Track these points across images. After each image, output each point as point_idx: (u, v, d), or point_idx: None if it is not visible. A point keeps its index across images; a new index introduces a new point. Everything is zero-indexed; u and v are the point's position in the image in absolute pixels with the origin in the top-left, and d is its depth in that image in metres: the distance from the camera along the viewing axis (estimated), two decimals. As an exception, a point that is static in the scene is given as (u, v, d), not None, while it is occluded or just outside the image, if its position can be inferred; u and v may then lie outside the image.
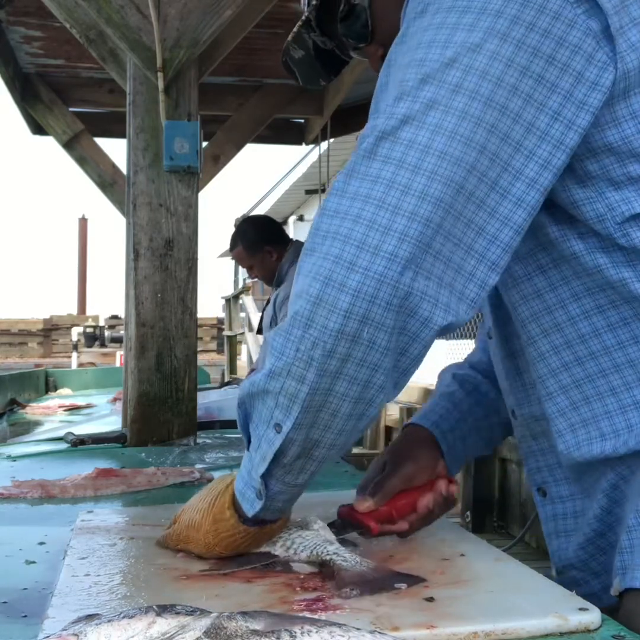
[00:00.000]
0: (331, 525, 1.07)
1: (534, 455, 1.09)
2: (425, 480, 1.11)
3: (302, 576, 0.95)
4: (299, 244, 3.77)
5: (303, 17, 1.17)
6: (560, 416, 1.00)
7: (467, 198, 0.84)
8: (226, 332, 10.82)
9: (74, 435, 2.28)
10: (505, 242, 0.86)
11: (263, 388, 0.90)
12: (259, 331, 4.00)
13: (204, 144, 3.30)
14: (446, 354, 6.34)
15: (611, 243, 0.92)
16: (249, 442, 0.95)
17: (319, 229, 0.86)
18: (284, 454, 0.91)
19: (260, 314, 10.21)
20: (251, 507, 0.96)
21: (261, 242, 3.61)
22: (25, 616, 0.89)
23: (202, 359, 12.71)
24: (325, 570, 0.95)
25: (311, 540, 1.00)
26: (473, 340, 5.37)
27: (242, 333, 10.20)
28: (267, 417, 0.91)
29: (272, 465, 0.91)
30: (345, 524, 1.08)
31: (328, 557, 0.95)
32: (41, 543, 1.19)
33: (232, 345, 10.56)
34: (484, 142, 0.84)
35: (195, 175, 2.38)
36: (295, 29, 1.18)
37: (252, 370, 3.83)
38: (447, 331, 0.87)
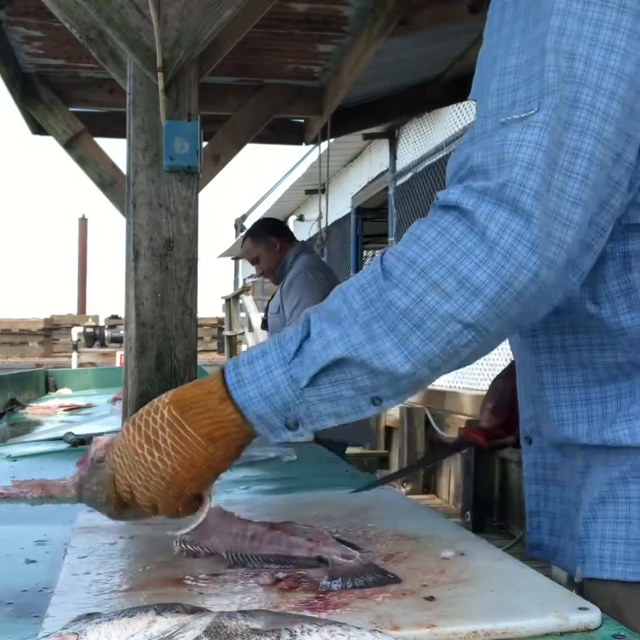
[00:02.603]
0: (453, 445, 1.30)
1: (527, 403, 1.12)
2: None
3: (302, 576, 0.95)
4: (303, 245, 3.94)
5: None
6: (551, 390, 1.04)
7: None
8: (226, 332, 10.82)
9: (74, 435, 2.28)
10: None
11: (391, 370, 0.84)
12: (264, 324, 4.06)
13: (204, 144, 3.30)
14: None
15: None
16: (313, 374, 0.86)
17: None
18: (364, 416, 0.89)
19: (260, 313, 10.18)
20: (273, 434, 0.89)
21: (265, 233, 3.89)
22: (27, 616, 0.89)
23: (202, 359, 12.70)
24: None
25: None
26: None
27: (242, 333, 10.20)
28: (367, 388, 0.85)
29: (337, 419, 0.88)
30: (462, 442, 1.27)
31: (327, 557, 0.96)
32: (41, 542, 1.20)
33: (232, 345, 10.56)
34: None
35: (195, 175, 2.38)
36: None
37: None
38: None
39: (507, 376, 1.28)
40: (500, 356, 4.52)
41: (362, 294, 0.86)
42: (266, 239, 3.85)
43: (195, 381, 0.95)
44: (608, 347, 0.99)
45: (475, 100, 0.95)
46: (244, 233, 4.14)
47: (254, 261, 3.93)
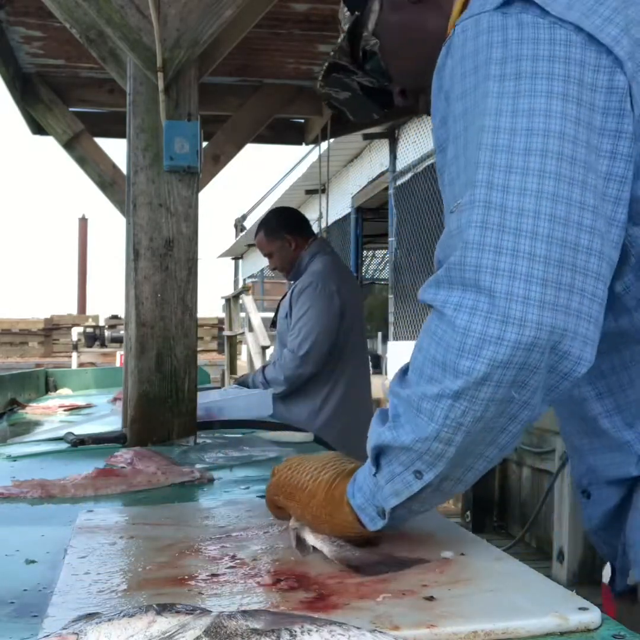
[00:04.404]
0: None
1: (579, 456, 1.15)
2: None
3: (302, 576, 0.95)
4: (321, 244, 3.73)
5: (329, 63, 1.25)
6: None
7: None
8: (226, 332, 10.80)
9: (74, 435, 2.27)
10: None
11: (407, 446, 0.93)
12: (273, 324, 3.98)
13: (204, 144, 3.30)
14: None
15: None
16: (375, 460, 0.98)
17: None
18: (420, 494, 0.96)
19: (260, 313, 10.15)
20: (372, 523, 1.00)
21: (281, 230, 3.65)
22: (27, 616, 0.89)
23: (202, 359, 12.69)
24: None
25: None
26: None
27: (242, 333, 10.19)
28: (406, 463, 0.95)
29: (404, 501, 0.96)
30: None
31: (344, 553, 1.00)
32: (41, 542, 1.20)
33: (232, 345, 10.55)
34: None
35: (195, 175, 2.38)
36: (324, 74, 1.27)
37: (264, 367, 3.75)
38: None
39: None
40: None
41: (392, 398, 0.99)
42: (281, 237, 3.63)
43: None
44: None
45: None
46: (256, 223, 3.88)
47: (267, 256, 3.75)
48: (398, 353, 8.23)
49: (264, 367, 3.69)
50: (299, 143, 5.34)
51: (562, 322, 0.86)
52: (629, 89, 0.92)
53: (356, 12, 1.21)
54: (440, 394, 0.89)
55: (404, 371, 0.98)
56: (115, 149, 4.16)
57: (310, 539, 1.05)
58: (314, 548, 1.04)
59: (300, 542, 1.06)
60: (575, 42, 0.91)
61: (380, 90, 1.27)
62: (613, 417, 1.06)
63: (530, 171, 0.88)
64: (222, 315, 13.02)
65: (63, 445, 2.26)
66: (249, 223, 15.02)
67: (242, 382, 3.70)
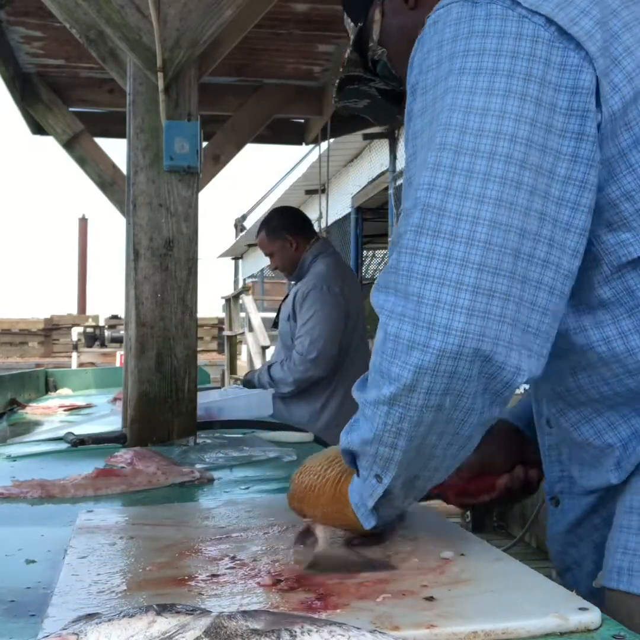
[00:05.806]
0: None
1: (561, 463, 1.15)
2: (508, 465, 1.22)
3: (302, 576, 0.95)
4: (323, 244, 3.71)
5: (341, 78, 1.26)
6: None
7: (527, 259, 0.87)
8: (226, 332, 10.81)
9: (74, 435, 2.27)
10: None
11: (359, 450, 0.96)
12: (275, 324, 3.97)
13: (204, 144, 3.29)
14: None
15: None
16: (352, 463, 1.01)
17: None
18: (388, 495, 0.97)
19: (260, 313, 10.14)
20: (366, 521, 1.01)
21: (282, 230, 3.64)
22: (27, 616, 0.89)
23: (202, 359, 12.69)
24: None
25: None
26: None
27: (242, 333, 10.19)
28: (367, 466, 0.97)
29: (378, 501, 0.98)
30: (431, 494, 1.24)
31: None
32: (41, 542, 1.19)
33: (232, 345, 10.56)
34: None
35: (195, 175, 2.38)
36: (338, 89, 1.28)
37: (269, 366, 3.73)
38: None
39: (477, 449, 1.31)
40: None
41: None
42: (282, 237, 3.62)
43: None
44: (612, 380, 1.00)
45: None
46: (257, 223, 3.90)
47: (269, 256, 3.74)
48: (398, 353, 8.21)
49: (269, 366, 3.66)
50: (299, 143, 5.34)
51: (493, 330, 0.84)
52: (596, 88, 0.88)
53: (359, 23, 1.21)
54: (377, 400, 0.90)
55: (365, 377, 0.98)
56: (115, 149, 4.16)
57: (318, 529, 1.07)
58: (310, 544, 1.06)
59: (305, 533, 1.08)
60: (543, 38, 0.88)
61: (397, 91, 1.26)
62: (594, 422, 1.03)
63: (475, 174, 0.85)
64: (222, 315, 13.02)
65: (63, 445, 2.26)
66: (249, 223, 15.02)
67: (248, 380, 3.68)
